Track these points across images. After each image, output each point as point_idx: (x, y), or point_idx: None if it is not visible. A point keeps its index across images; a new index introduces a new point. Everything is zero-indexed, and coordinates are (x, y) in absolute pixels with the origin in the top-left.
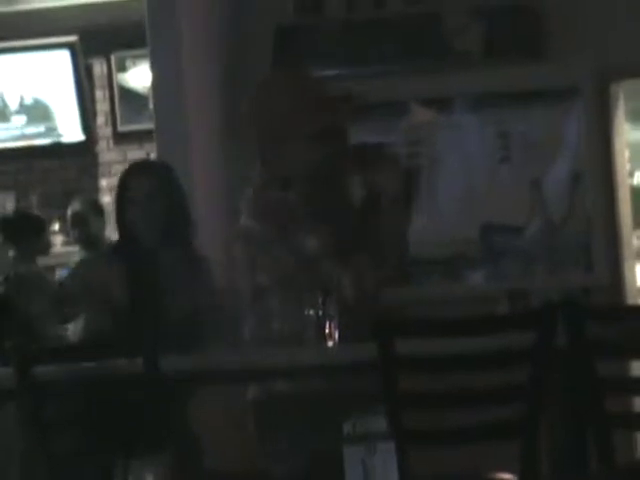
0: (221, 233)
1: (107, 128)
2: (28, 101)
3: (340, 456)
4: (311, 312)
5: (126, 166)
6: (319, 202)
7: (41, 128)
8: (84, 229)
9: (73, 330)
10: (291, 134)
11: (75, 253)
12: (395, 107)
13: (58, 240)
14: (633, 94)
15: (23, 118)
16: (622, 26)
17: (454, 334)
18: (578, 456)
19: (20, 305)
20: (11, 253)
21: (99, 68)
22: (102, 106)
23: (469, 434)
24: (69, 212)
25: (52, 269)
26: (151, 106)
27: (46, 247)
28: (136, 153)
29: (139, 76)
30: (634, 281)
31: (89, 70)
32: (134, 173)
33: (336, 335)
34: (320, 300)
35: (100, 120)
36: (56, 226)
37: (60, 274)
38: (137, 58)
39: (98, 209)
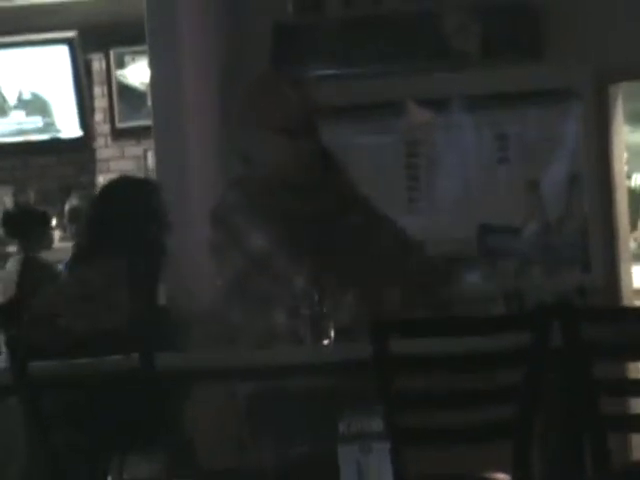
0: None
1: (105, 124)
2: (26, 96)
3: (334, 455)
4: (307, 311)
5: (124, 162)
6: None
7: (39, 123)
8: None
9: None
10: (262, 130)
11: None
12: (393, 107)
13: (56, 235)
14: (632, 96)
15: (21, 113)
16: (621, 27)
17: (449, 334)
18: (573, 457)
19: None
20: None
21: (98, 64)
22: (100, 102)
23: (464, 434)
24: (67, 208)
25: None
26: (149, 103)
27: (49, 242)
28: (134, 150)
29: (138, 72)
30: (630, 283)
31: (88, 66)
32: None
33: (332, 334)
34: (316, 299)
35: (98, 116)
36: (54, 222)
37: (58, 269)
38: (136, 54)
39: None
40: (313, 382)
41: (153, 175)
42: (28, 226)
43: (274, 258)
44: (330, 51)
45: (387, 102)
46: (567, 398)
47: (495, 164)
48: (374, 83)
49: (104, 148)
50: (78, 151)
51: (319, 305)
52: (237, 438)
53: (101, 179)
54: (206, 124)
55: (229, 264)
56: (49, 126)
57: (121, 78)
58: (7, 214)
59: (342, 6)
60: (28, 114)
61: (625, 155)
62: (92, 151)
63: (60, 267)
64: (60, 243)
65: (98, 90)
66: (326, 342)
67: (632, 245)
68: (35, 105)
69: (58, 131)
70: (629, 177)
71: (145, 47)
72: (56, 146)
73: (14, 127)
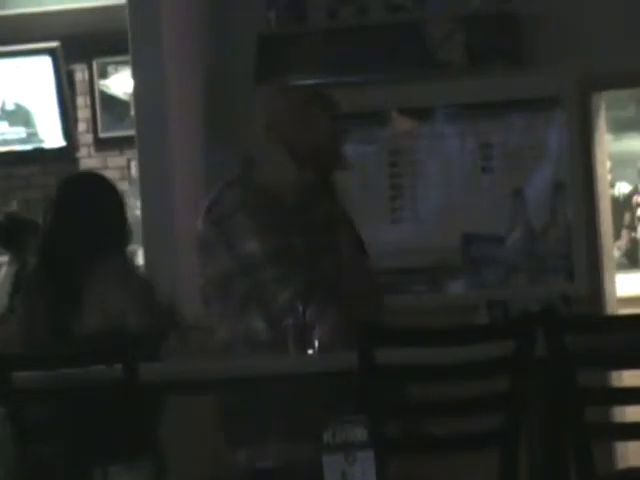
0: None
1: (88, 134)
2: (9, 106)
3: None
4: (291, 321)
5: (108, 172)
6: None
7: (22, 134)
8: None
9: None
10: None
11: None
12: (377, 117)
13: None
14: (615, 104)
15: (4, 124)
16: (604, 36)
17: (433, 344)
18: (557, 467)
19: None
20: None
21: (80, 74)
22: (83, 112)
23: (449, 444)
24: None
25: None
26: (132, 113)
27: None
28: (117, 160)
29: (121, 83)
30: (614, 291)
31: (70, 76)
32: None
33: (316, 344)
34: (300, 309)
35: (81, 126)
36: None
37: None
38: (119, 64)
39: None
40: (292, 390)
41: (137, 185)
42: (19, 235)
43: (263, 265)
44: (314, 61)
45: (371, 111)
46: (551, 407)
47: (479, 173)
48: (358, 92)
49: (87, 158)
50: (61, 161)
51: (303, 315)
52: (213, 448)
53: None
54: (189, 134)
55: (217, 264)
56: (32, 136)
57: (104, 88)
58: None
59: (326, 17)
60: (11, 124)
61: (608, 163)
62: (75, 161)
63: None
64: None
65: (81, 100)
66: (310, 352)
67: (616, 254)
68: (18, 115)
69: (41, 141)
70: (613, 185)
71: (128, 57)
72: (39, 156)
73: None
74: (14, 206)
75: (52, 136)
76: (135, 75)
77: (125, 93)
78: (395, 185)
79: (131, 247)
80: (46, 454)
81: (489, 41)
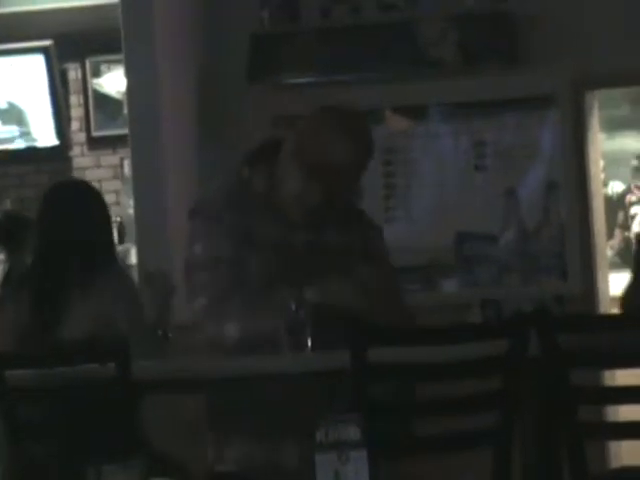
0: None
1: (81, 133)
2: (2, 105)
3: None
4: (284, 319)
5: (101, 171)
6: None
7: (15, 132)
8: None
9: None
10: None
11: None
12: (371, 115)
13: None
14: (608, 103)
15: None
16: (598, 35)
17: (427, 342)
18: (551, 466)
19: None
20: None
21: (74, 73)
22: (76, 111)
23: (442, 443)
24: None
25: None
26: (125, 111)
27: None
28: (110, 158)
29: (114, 81)
30: (607, 290)
31: (64, 75)
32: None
33: (308, 343)
34: (293, 307)
35: (74, 125)
36: None
37: None
38: (112, 63)
39: None
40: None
41: (130, 184)
42: (19, 234)
43: (197, 269)
44: (307, 60)
45: (365, 110)
46: (544, 406)
47: (473, 171)
48: (351, 91)
49: (80, 157)
50: (54, 160)
51: (296, 315)
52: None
53: None
54: (183, 132)
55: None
56: (25, 135)
57: (97, 87)
58: None
59: (319, 16)
60: (4, 123)
61: (602, 162)
62: (68, 160)
63: None
64: None
65: (74, 99)
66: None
67: (609, 253)
68: (11, 114)
69: (34, 140)
70: (606, 185)
71: (121, 56)
72: (32, 155)
73: None
74: (8, 205)
75: (45, 135)
76: (128, 74)
77: (118, 92)
78: (389, 184)
79: (124, 246)
80: (39, 453)
81: (483, 40)
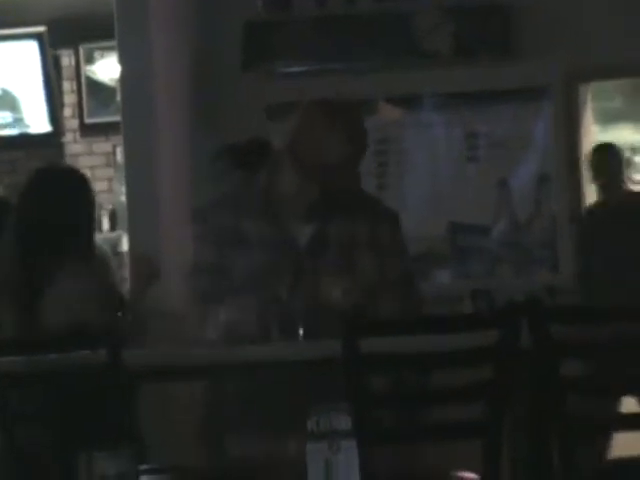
0: (187, 230)
1: (74, 120)
2: None
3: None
4: (276, 308)
5: (93, 158)
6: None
7: (8, 118)
8: None
9: None
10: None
11: None
12: (363, 105)
13: None
14: (601, 95)
15: None
16: (591, 28)
17: (418, 332)
18: (541, 457)
19: None
20: None
21: (67, 59)
22: (69, 98)
23: (433, 433)
24: None
25: None
26: (118, 98)
27: None
28: (102, 145)
29: (107, 68)
30: None
31: (57, 61)
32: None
33: (300, 331)
34: (285, 296)
35: (67, 112)
36: None
37: None
38: (105, 50)
39: None
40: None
41: (122, 171)
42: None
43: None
44: (301, 48)
45: (357, 100)
46: (535, 397)
47: (465, 162)
48: (344, 80)
49: (73, 143)
50: (47, 146)
51: (287, 303)
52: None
53: None
54: (176, 120)
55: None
56: (18, 121)
57: (90, 74)
58: None
59: (314, 5)
60: None
61: None
62: (61, 146)
63: None
64: None
65: (67, 85)
66: (295, 339)
67: None
68: (4, 100)
69: (27, 126)
70: None
71: (114, 43)
72: (25, 141)
73: None
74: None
75: (38, 121)
76: (121, 61)
77: (111, 79)
78: (381, 174)
79: (116, 232)
80: (29, 440)
81: (476, 32)
